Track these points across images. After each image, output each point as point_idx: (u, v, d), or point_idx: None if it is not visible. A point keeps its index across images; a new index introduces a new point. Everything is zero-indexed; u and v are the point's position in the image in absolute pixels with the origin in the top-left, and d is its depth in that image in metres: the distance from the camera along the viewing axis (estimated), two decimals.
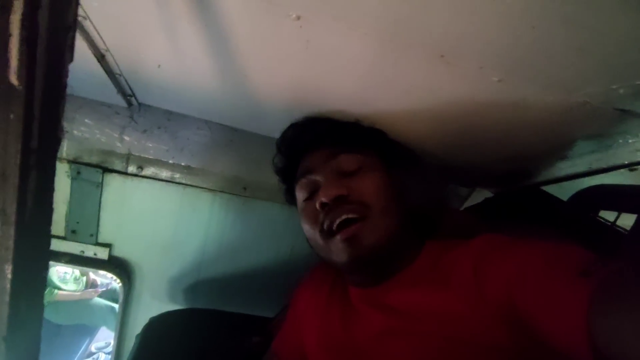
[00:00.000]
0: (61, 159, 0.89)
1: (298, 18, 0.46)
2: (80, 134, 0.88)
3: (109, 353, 2.76)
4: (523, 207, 0.89)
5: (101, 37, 0.60)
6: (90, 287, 2.72)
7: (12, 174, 0.24)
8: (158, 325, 0.98)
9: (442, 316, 0.52)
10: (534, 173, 0.84)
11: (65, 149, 0.89)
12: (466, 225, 0.76)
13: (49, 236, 0.28)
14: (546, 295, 0.43)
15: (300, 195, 0.70)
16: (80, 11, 0.52)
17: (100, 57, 0.65)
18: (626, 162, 0.62)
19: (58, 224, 0.95)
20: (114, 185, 0.95)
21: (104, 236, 1.00)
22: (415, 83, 0.57)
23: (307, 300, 0.78)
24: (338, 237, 0.59)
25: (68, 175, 0.91)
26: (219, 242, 1.06)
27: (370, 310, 0.62)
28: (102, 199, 0.95)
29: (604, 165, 0.66)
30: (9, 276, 0.25)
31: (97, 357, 2.81)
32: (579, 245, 0.46)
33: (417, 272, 0.61)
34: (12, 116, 0.22)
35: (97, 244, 0.99)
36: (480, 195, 1.07)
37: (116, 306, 2.49)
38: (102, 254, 1.00)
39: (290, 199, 0.79)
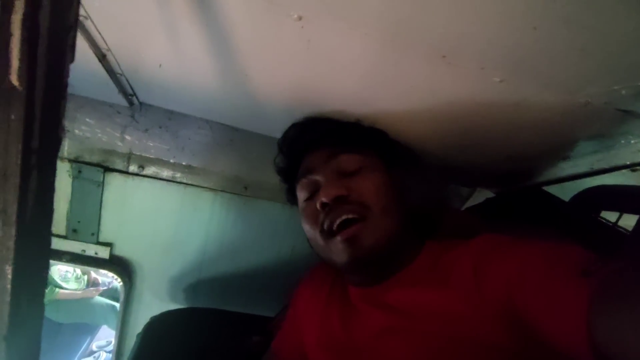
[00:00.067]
0: (62, 158, 0.89)
1: (299, 18, 0.46)
2: (82, 133, 0.88)
3: (109, 351, 2.77)
4: (524, 208, 0.88)
5: (102, 37, 0.60)
6: (92, 286, 2.73)
7: (13, 174, 0.24)
8: (159, 325, 0.98)
9: (442, 315, 0.52)
10: (535, 173, 0.84)
11: (67, 148, 0.89)
12: (467, 226, 0.76)
13: (49, 236, 0.28)
14: (546, 295, 0.43)
15: (301, 195, 0.70)
16: (81, 11, 0.52)
17: (102, 57, 0.65)
18: (628, 163, 0.62)
19: (59, 223, 0.95)
20: (115, 184, 0.95)
21: (105, 235, 1.00)
22: (416, 83, 0.56)
23: (307, 300, 0.78)
24: (338, 237, 0.59)
25: (69, 175, 0.91)
26: (219, 241, 1.06)
27: (370, 309, 0.62)
28: (103, 198, 0.95)
29: (605, 165, 0.66)
30: (10, 276, 0.25)
31: (98, 356, 2.82)
32: (580, 246, 0.46)
33: (417, 272, 0.61)
34: (13, 116, 0.22)
35: (98, 243, 0.99)
36: (481, 196, 1.07)
37: (117, 305, 2.49)
38: (103, 253, 1.00)
39: (292, 199, 0.79)
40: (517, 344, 0.46)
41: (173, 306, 1.08)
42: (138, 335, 0.96)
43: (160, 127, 0.92)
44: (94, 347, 2.88)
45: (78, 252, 0.98)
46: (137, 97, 0.86)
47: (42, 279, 0.29)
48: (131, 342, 1.00)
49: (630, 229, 0.65)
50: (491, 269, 0.51)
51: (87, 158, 0.91)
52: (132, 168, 0.94)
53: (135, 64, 0.68)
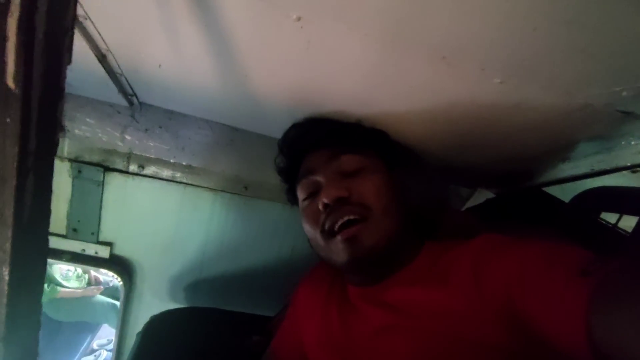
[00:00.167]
0: (62, 158, 0.89)
1: (298, 19, 0.45)
2: (82, 133, 0.89)
3: (110, 350, 2.78)
4: (524, 208, 0.88)
5: (102, 37, 0.60)
6: (93, 285, 2.74)
7: (10, 177, 0.24)
8: (159, 324, 0.98)
9: (441, 314, 0.52)
10: (535, 174, 0.84)
11: (67, 147, 0.89)
12: (467, 226, 0.76)
13: (46, 238, 0.28)
14: (545, 294, 0.43)
15: (301, 195, 0.70)
16: (81, 11, 0.52)
17: (101, 57, 0.65)
18: (628, 164, 0.62)
19: (59, 223, 0.95)
20: (115, 184, 0.95)
21: (105, 235, 1.00)
22: (416, 84, 0.56)
23: (306, 299, 0.78)
24: (338, 237, 0.60)
25: (69, 174, 0.91)
26: (220, 241, 1.06)
27: (369, 307, 0.62)
28: (104, 197, 0.95)
29: (606, 167, 0.65)
30: (7, 278, 0.26)
31: (99, 354, 2.83)
32: (580, 246, 0.46)
33: (416, 271, 0.61)
34: (9, 119, 0.22)
35: (98, 242, 1.00)
36: (481, 196, 1.07)
37: (118, 304, 2.50)
38: (103, 252, 1.00)
39: (292, 199, 0.80)
40: (516, 344, 0.46)
41: (173, 305, 1.08)
42: (138, 334, 0.96)
43: (160, 127, 0.92)
44: (94, 345, 2.90)
45: (78, 252, 0.98)
46: (137, 97, 0.86)
47: (40, 281, 0.29)
48: (131, 341, 1.00)
49: (630, 230, 0.65)
50: (490, 269, 0.51)
51: (87, 158, 0.91)
52: (132, 168, 0.94)
53: (135, 64, 0.68)
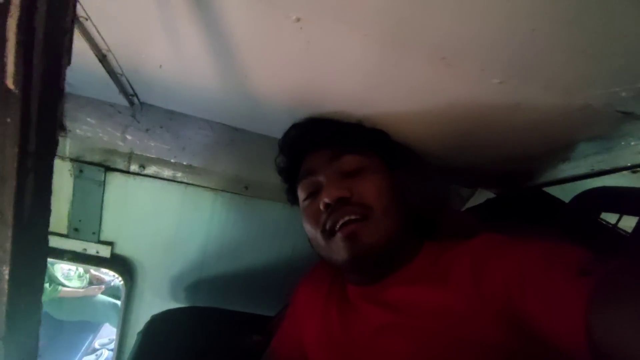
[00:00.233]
0: (64, 158, 0.90)
1: (298, 20, 0.46)
2: (83, 132, 0.89)
3: (112, 349, 2.78)
4: (525, 209, 0.88)
5: (102, 38, 0.60)
6: (96, 284, 2.75)
7: (10, 177, 0.24)
8: (159, 323, 0.98)
9: (440, 313, 0.52)
10: (535, 174, 0.84)
11: (68, 147, 0.89)
12: (467, 226, 0.76)
13: (46, 237, 0.29)
14: (545, 294, 0.43)
15: (302, 195, 0.71)
16: (81, 12, 0.53)
17: (102, 58, 0.65)
18: (628, 164, 0.62)
19: (61, 222, 0.95)
20: (116, 183, 0.95)
21: (106, 234, 1.00)
22: (416, 85, 0.56)
23: (307, 299, 0.79)
24: (339, 234, 0.60)
25: (71, 174, 0.91)
26: (220, 240, 1.07)
27: (368, 306, 0.62)
28: (105, 197, 0.96)
29: (606, 167, 0.65)
30: (7, 277, 0.26)
31: (101, 354, 2.84)
32: (580, 246, 0.46)
33: (416, 271, 0.61)
34: (9, 120, 0.22)
35: (100, 242, 1.00)
36: (482, 196, 1.07)
37: (119, 303, 2.52)
38: (105, 252, 1.00)
39: (292, 199, 0.80)
40: (516, 343, 0.46)
41: (174, 305, 1.08)
42: (139, 333, 0.96)
43: (161, 127, 0.93)
44: (96, 344, 2.91)
45: (79, 251, 0.98)
46: (137, 97, 0.86)
47: (40, 280, 0.29)
48: (132, 340, 1.00)
49: (630, 230, 0.64)
50: (490, 268, 0.51)
51: (89, 157, 0.91)
52: (133, 167, 0.94)
53: (135, 65, 0.68)
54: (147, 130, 0.92)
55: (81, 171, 0.91)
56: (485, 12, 0.40)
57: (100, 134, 0.90)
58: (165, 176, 0.96)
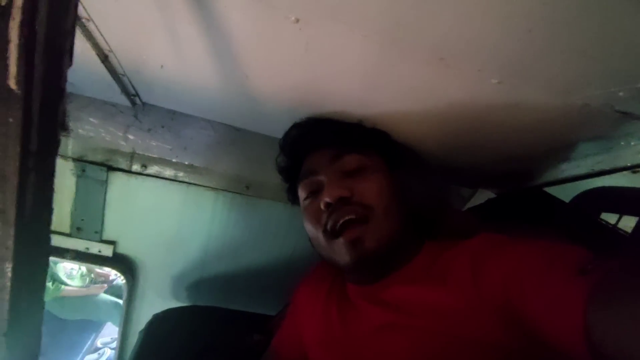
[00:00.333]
0: (66, 157, 0.90)
1: (297, 20, 0.46)
2: (85, 132, 0.89)
3: (114, 348, 2.80)
4: (525, 208, 0.88)
5: (104, 38, 0.61)
6: (101, 282, 2.76)
7: (12, 176, 0.24)
8: (161, 322, 0.99)
9: (440, 313, 0.52)
10: (536, 174, 0.84)
11: (71, 147, 0.90)
12: (467, 226, 0.76)
13: (48, 235, 0.29)
14: (544, 293, 0.43)
15: (303, 194, 0.71)
16: (83, 13, 0.53)
17: (104, 58, 0.66)
18: (629, 165, 0.62)
19: (63, 221, 0.96)
20: (118, 183, 0.96)
21: (108, 233, 1.01)
22: (415, 85, 0.57)
23: (307, 298, 0.79)
24: (341, 239, 0.60)
25: (73, 173, 0.92)
26: (221, 240, 1.07)
27: (368, 305, 0.63)
28: (107, 196, 0.96)
29: (606, 167, 0.65)
30: (9, 274, 0.26)
31: (103, 352, 2.85)
32: (579, 246, 0.46)
33: (416, 270, 0.62)
34: (11, 120, 0.23)
35: (102, 241, 1.00)
36: (483, 196, 1.07)
37: (121, 302, 2.52)
38: (107, 251, 1.01)
39: (293, 198, 0.80)
40: (515, 342, 0.46)
41: (175, 304, 1.08)
42: (140, 332, 0.97)
43: (162, 127, 0.93)
44: (98, 343, 2.92)
45: (82, 250, 0.99)
46: (139, 97, 0.87)
47: (42, 277, 0.30)
48: (134, 339, 1.01)
49: (630, 230, 0.65)
50: (489, 267, 0.51)
51: (91, 157, 0.92)
52: (135, 167, 0.95)
53: (137, 65, 0.69)
54: (148, 130, 0.93)
55: (84, 171, 0.92)
56: (482, 13, 0.40)
57: (103, 134, 0.90)
58: (167, 176, 0.97)
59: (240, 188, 1.01)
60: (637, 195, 0.67)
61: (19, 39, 0.22)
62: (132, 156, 0.94)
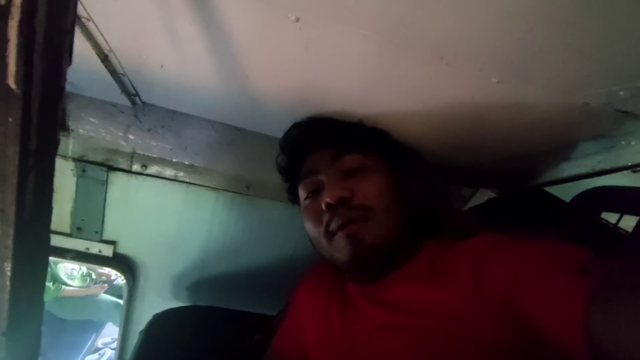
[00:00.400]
0: (67, 157, 0.90)
1: (297, 20, 0.46)
2: (86, 132, 0.89)
3: (115, 349, 2.80)
4: (526, 208, 0.88)
5: (104, 38, 0.60)
6: (103, 281, 2.77)
7: (11, 175, 0.24)
8: (161, 322, 0.99)
9: (440, 312, 0.52)
10: (536, 174, 0.84)
11: (71, 147, 0.90)
12: (467, 225, 0.76)
13: (48, 235, 0.29)
14: (544, 293, 0.43)
15: (303, 194, 0.71)
16: (83, 12, 0.53)
17: (104, 58, 0.66)
18: (629, 164, 0.62)
19: (63, 221, 0.96)
20: (118, 183, 0.96)
21: (108, 233, 1.01)
22: (415, 84, 0.57)
23: (307, 297, 0.79)
24: (340, 233, 0.60)
25: (73, 174, 0.92)
26: (222, 240, 1.07)
27: (368, 305, 0.63)
28: (107, 196, 0.96)
29: (606, 166, 0.65)
30: (9, 273, 0.26)
31: (104, 353, 2.85)
32: (580, 246, 0.46)
33: (416, 270, 0.62)
34: (10, 119, 0.23)
35: (102, 241, 1.01)
36: (483, 196, 1.07)
37: (121, 302, 2.53)
38: (107, 251, 1.01)
39: (293, 198, 0.80)
40: (515, 342, 0.46)
41: (175, 304, 1.09)
42: (141, 332, 0.97)
43: (163, 127, 0.93)
44: (99, 344, 2.92)
45: (82, 250, 0.99)
46: (139, 97, 0.87)
47: (42, 277, 0.30)
48: (134, 339, 1.01)
49: (630, 230, 0.64)
50: (489, 267, 0.51)
51: (91, 157, 0.92)
52: (136, 167, 0.95)
53: (137, 65, 0.69)
54: (149, 130, 0.93)
55: (84, 171, 0.92)
56: (483, 12, 0.40)
57: (103, 134, 0.90)
58: (167, 176, 0.97)
59: (240, 188, 1.01)
60: (637, 194, 0.67)
61: (18, 38, 0.22)
62: (132, 156, 0.94)
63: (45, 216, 0.28)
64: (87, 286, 2.63)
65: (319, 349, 0.69)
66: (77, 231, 0.97)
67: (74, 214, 0.96)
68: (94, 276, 2.72)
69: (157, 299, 1.10)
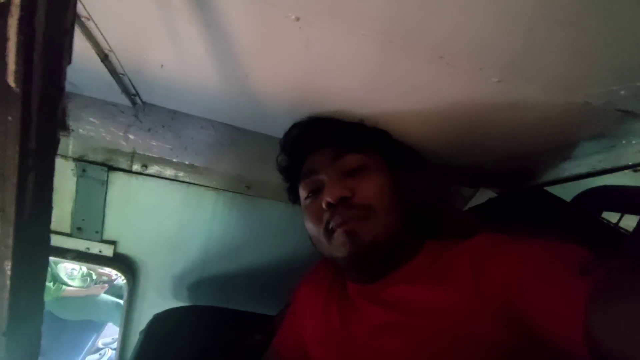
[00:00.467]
0: (67, 157, 0.90)
1: (297, 19, 0.46)
2: (86, 132, 0.89)
3: (115, 349, 2.80)
4: (526, 208, 0.88)
5: (104, 38, 0.60)
6: (104, 281, 2.77)
7: (11, 175, 0.24)
8: (162, 322, 0.99)
9: (440, 312, 0.52)
10: (537, 173, 0.84)
11: (71, 147, 0.90)
12: (467, 225, 0.76)
13: (48, 234, 0.29)
14: (544, 293, 0.43)
15: (303, 193, 0.71)
16: (83, 12, 0.53)
17: (104, 57, 0.66)
18: (630, 163, 0.61)
19: (64, 221, 0.96)
20: (118, 183, 0.96)
21: (109, 233, 1.01)
22: (415, 84, 0.56)
23: (308, 297, 0.79)
24: (339, 230, 0.60)
25: (74, 173, 0.92)
26: (222, 240, 1.07)
27: (369, 305, 0.63)
28: (107, 196, 0.96)
29: (607, 166, 0.65)
30: (9, 272, 0.26)
31: (104, 353, 2.85)
32: (580, 245, 0.46)
33: (416, 269, 0.62)
34: (10, 118, 0.23)
35: (102, 241, 1.01)
36: (484, 196, 1.07)
37: (122, 302, 2.53)
38: (107, 250, 1.01)
39: (293, 198, 0.80)
40: (515, 342, 0.46)
41: (176, 304, 1.08)
42: (141, 332, 0.97)
43: (163, 127, 0.93)
44: (99, 344, 2.92)
45: (82, 250, 0.99)
46: (140, 97, 0.87)
47: (42, 276, 0.30)
48: (135, 339, 1.01)
49: (631, 229, 0.64)
50: (489, 267, 0.51)
51: (92, 157, 0.92)
52: (136, 167, 0.95)
53: (137, 65, 0.69)
54: (149, 129, 0.93)
55: (84, 170, 0.92)
56: (483, 11, 0.40)
57: (103, 134, 0.90)
58: (167, 175, 0.97)
59: (240, 188, 1.01)
60: (638, 194, 0.66)
61: (18, 37, 0.22)
62: (132, 156, 0.94)
63: (45, 216, 0.28)
64: (88, 286, 2.63)
65: (319, 349, 0.69)
66: (77, 231, 0.97)
67: (74, 214, 0.96)
68: (94, 276, 2.72)
69: (158, 299, 1.10)
